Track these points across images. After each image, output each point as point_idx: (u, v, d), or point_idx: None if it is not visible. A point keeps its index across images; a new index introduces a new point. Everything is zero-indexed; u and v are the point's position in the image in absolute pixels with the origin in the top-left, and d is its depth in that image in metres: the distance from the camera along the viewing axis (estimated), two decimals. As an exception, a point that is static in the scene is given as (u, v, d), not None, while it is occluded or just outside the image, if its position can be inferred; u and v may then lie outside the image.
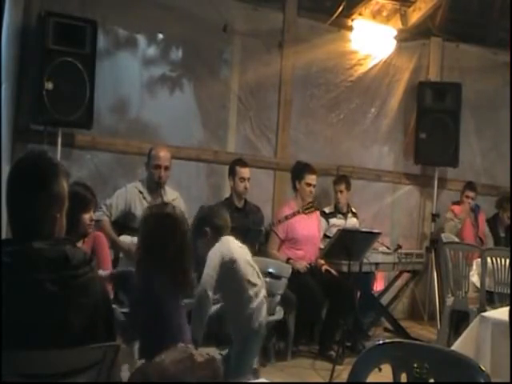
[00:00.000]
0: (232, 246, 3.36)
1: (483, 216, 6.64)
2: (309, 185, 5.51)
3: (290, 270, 4.68)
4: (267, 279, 3.87)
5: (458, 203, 6.57)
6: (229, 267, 3.28)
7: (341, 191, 5.92)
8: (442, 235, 6.20)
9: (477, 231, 6.50)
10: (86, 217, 3.35)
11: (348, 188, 5.96)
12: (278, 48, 6.16)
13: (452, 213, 6.50)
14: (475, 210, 6.55)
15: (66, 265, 1.80)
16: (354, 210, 6.08)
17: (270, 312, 3.65)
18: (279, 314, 3.58)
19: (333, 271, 5.36)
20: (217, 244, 3.34)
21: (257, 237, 5.14)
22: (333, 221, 5.86)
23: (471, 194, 6.47)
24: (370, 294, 5.93)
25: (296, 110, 6.34)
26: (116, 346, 1.89)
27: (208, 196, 5.85)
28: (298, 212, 5.16)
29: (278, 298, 3.68)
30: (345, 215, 5.97)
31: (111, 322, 1.93)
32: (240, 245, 3.44)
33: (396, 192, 7.01)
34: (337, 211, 5.97)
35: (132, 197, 4.74)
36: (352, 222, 5.95)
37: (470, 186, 6.52)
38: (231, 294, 3.34)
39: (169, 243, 2.61)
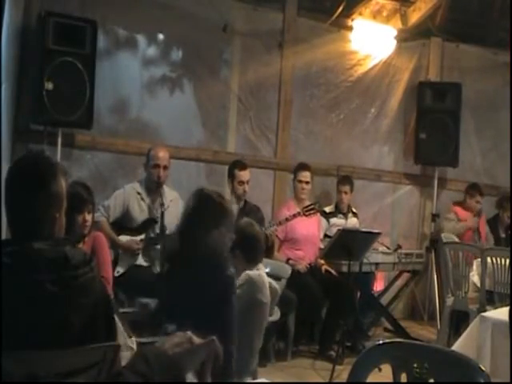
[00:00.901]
0: (266, 289, 3.20)
1: (484, 220, 6.58)
2: (300, 181, 5.51)
3: (290, 271, 4.67)
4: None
5: (460, 204, 6.51)
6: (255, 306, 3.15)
7: (345, 192, 5.90)
8: (442, 235, 6.20)
9: (478, 237, 6.43)
10: (79, 218, 3.33)
11: (352, 189, 5.95)
12: (278, 48, 6.16)
13: (455, 214, 6.43)
14: (477, 214, 6.49)
15: (66, 265, 1.80)
16: (354, 210, 6.07)
17: (268, 313, 3.64)
18: (276, 314, 3.56)
19: (333, 271, 5.36)
20: (257, 280, 3.16)
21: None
22: (333, 220, 5.85)
23: (480, 198, 6.42)
24: (370, 294, 5.92)
25: (296, 110, 6.34)
26: (116, 345, 1.89)
27: (208, 196, 5.84)
28: (299, 214, 5.15)
29: (277, 299, 3.66)
30: (345, 215, 5.96)
31: (111, 322, 1.93)
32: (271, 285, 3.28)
33: (396, 192, 7.00)
34: (337, 211, 5.96)
35: (130, 198, 4.73)
36: (352, 222, 5.94)
37: (476, 187, 6.43)
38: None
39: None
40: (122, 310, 3.05)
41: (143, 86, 5.55)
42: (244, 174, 5.23)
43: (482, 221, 6.53)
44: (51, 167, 1.93)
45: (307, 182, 5.52)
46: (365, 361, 2.03)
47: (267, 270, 3.87)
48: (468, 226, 6.35)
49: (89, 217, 3.42)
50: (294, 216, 5.15)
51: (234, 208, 5.23)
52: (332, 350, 5.12)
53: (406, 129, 6.98)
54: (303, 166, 5.59)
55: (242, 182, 5.21)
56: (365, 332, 5.74)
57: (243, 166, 5.28)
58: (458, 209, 6.46)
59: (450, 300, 5.36)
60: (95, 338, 1.83)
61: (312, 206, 5.22)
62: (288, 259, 5.26)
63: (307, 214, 5.18)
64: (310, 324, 5.55)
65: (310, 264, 5.37)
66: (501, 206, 6.60)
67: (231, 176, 5.27)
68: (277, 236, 5.36)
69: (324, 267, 5.38)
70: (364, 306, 5.69)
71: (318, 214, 5.64)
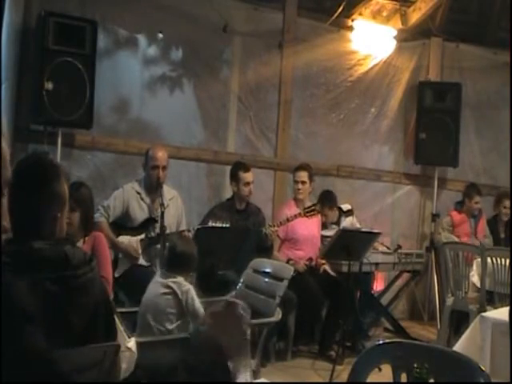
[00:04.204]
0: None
1: (483, 222, 6.54)
2: (296, 182, 5.50)
3: (292, 272, 4.66)
4: (267, 279, 3.85)
5: (459, 207, 6.46)
6: None
7: (326, 215, 5.75)
8: (442, 235, 6.19)
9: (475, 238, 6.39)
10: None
11: (332, 207, 5.80)
12: (278, 48, 6.17)
13: (450, 219, 6.39)
14: (477, 215, 6.45)
15: (66, 265, 1.80)
16: (345, 209, 5.93)
17: (270, 314, 3.63)
18: (277, 315, 3.56)
19: (330, 272, 5.35)
20: None
21: (257, 238, 5.12)
22: (324, 232, 5.69)
23: (479, 198, 6.35)
24: (369, 294, 5.92)
25: (296, 110, 6.34)
26: (116, 345, 1.89)
27: (208, 196, 5.85)
28: (300, 215, 5.14)
29: (278, 299, 3.66)
30: (337, 222, 5.87)
31: (111, 322, 1.93)
32: None
33: (396, 192, 7.00)
34: (327, 222, 5.88)
35: (130, 197, 4.72)
36: (348, 222, 5.88)
37: (474, 188, 6.34)
38: None
39: None
40: (121, 310, 3.04)
41: (143, 85, 5.55)
42: (249, 176, 5.20)
43: (481, 223, 6.49)
44: (54, 168, 1.93)
45: (303, 182, 5.48)
46: (365, 361, 2.03)
47: (270, 271, 3.86)
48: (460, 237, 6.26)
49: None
50: (295, 216, 5.15)
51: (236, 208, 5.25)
52: (332, 350, 5.12)
53: (406, 129, 6.98)
54: (299, 167, 5.55)
55: (247, 184, 5.18)
56: (365, 332, 5.74)
57: (247, 168, 5.25)
58: (454, 213, 6.39)
59: (449, 300, 5.36)
60: (95, 338, 1.83)
61: (313, 208, 5.21)
62: (288, 259, 5.25)
63: (308, 215, 5.17)
64: (310, 324, 5.54)
65: (310, 259, 5.35)
66: (499, 205, 6.54)
67: (235, 179, 5.21)
68: (277, 236, 5.36)
69: (323, 267, 5.37)
70: (364, 306, 5.69)
71: (318, 215, 5.63)
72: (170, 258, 3.49)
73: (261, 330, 3.51)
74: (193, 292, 3.33)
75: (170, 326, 3.29)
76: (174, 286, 3.33)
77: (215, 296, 3.87)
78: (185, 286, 3.34)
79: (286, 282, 3.75)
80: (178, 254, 3.45)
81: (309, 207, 5.22)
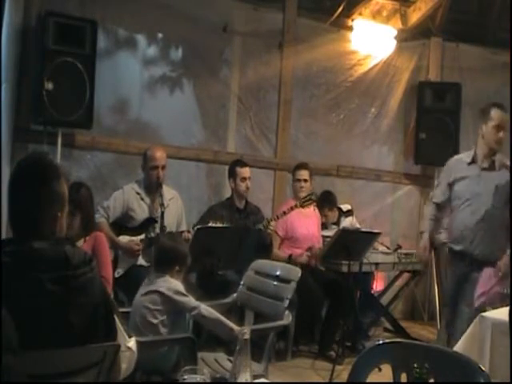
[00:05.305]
0: None
1: None
2: (299, 180, 5.50)
3: (300, 274, 4.65)
4: (275, 283, 3.82)
5: None
6: None
7: (326, 215, 5.82)
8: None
9: None
10: None
11: (332, 208, 5.85)
12: (278, 48, 6.17)
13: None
14: None
15: (66, 265, 1.80)
16: (345, 209, 5.97)
17: (278, 317, 3.60)
18: (287, 318, 3.53)
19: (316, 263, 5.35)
20: None
21: (257, 237, 5.12)
22: (324, 232, 5.71)
23: None
24: (369, 294, 5.92)
25: (296, 110, 6.34)
26: (116, 345, 1.89)
27: (208, 196, 5.86)
28: (296, 206, 5.15)
29: (287, 302, 3.63)
30: (337, 222, 5.89)
31: (111, 322, 1.93)
32: None
33: (396, 192, 7.01)
34: (327, 222, 5.90)
35: (130, 198, 4.72)
36: (348, 222, 5.89)
37: None
38: None
39: None
40: (121, 310, 3.04)
41: (143, 85, 5.55)
42: (245, 171, 5.26)
43: None
44: (54, 168, 1.94)
45: (305, 180, 5.50)
46: (365, 361, 2.03)
47: (278, 273, 3.83)
48: None
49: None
50: (292, 209, 5.14)
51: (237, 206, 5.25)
52: (332, 350, 5.12)
53: (406, 129, 6.99)
54: (300, 165, 5.58)
55: (244, 179, 5.23)
56: (365, 332, 5.73)
57: (243, 164, 5.33)
58: None
59: (450, 300, 5.35)
60: (95, 338, 1.83)
61: (308, 197, 5.21)
62: (290, 255, 5.25)
63: (304, 205, 5.17)
64: (310, 324, 5.54)
65: (310, 248, 5.35)
66: None
67: (233, 175, 5.27)
68: (276, 233, 5.36)
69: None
70: (364, 306, 5.68)
71: (318, 212, 5.64)
72: (155, 255, 3.63)
73: (267, 334, 3.48)
74: (179, 287, 3.34)
75: (154, 321, 3.30)
76: (161, 287, 3.35)
77: (216, 297, 3.86)
78: (171, 283, 3.36)
79: (293, 284, 3.70)
80: (160, 249, 3.56)
81: (304, 197, 5.22)
